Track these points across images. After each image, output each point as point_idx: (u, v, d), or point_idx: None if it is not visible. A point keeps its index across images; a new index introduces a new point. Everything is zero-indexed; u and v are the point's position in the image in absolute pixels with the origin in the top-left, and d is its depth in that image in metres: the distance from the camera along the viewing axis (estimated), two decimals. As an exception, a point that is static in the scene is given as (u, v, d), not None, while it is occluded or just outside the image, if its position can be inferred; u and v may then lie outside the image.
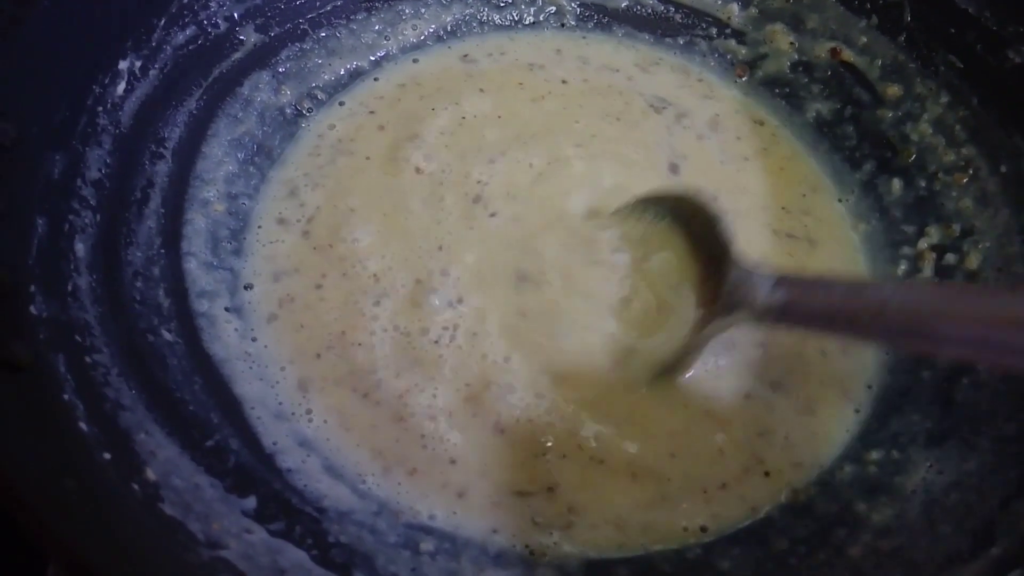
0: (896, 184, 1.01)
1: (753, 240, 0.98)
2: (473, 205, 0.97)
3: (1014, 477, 0.73)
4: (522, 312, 0.91)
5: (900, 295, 0.68)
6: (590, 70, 1.13)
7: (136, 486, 0.64)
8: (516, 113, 1.07)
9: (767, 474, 0.84)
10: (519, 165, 1.01)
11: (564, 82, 1.10)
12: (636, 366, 0.87)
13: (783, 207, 1.02)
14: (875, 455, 0.83)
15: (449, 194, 0.98)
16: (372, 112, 1.06)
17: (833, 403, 0.89)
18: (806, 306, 0.75)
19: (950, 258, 0.94)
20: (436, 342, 0.88)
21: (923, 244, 0.97)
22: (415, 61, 1.11)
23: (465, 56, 1.12)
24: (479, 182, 0.99)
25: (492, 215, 0.97)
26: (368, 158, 1.02)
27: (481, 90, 1.08)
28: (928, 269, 0.96)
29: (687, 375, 0.88)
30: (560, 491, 0.82)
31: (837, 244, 1.01)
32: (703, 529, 0.81)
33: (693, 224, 0.89)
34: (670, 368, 0.87)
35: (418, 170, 1.00)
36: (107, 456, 0.64)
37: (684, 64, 1.15)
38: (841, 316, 0.71)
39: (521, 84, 1.10)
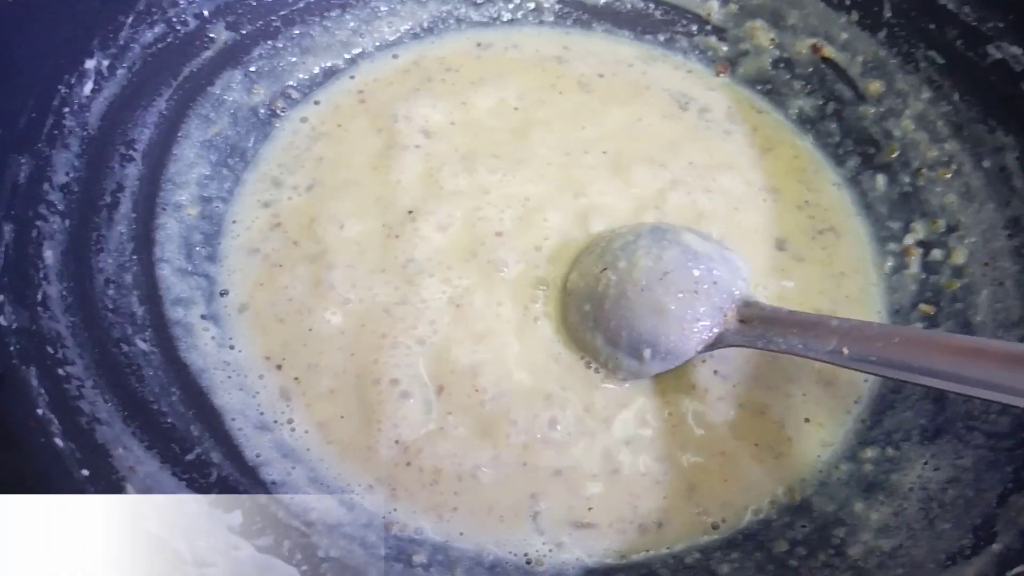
0: (880, 180, 1.01)
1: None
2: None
3: (1010, 472, 0.73)
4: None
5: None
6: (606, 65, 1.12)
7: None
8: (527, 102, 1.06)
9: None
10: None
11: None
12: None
13: (806, 201, 1.02)
14: (870, 453, 0.83)
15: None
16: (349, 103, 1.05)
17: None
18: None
19: (936, 254, 0.94)
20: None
21: (909, 240, 0.97)
22: (395, 57, 1.09)
23: (442, 56, 1.10)
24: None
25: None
26: (340, 125, 1.03)
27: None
28: (915, 265, 0.95)
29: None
30: (557, 498, 0.80)
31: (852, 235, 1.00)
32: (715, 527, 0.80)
33: None
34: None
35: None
36: (85, 473, 0.62)
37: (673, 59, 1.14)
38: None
39: (528, 76, 1.09)
